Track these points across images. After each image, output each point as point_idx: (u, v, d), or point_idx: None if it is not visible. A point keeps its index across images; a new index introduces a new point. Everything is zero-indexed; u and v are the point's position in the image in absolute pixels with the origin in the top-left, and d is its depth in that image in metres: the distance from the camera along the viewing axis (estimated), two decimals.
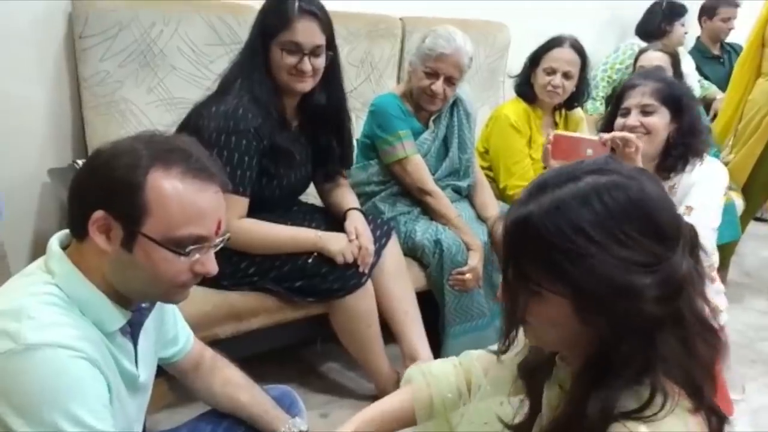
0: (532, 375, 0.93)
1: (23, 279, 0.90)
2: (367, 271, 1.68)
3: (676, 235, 0.72)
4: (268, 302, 1.68)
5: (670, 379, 0.71)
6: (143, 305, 1.00)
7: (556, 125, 2.36)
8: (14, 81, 1.98)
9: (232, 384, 1.21)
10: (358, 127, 2.16)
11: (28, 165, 2.06)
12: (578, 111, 2.43)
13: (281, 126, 1.67)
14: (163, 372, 1.16)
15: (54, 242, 0.92)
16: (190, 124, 1.60)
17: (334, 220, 1.81)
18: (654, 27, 3.29)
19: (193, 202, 0.88)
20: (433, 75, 1.94)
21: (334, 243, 1.64)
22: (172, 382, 1.10)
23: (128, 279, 0.90)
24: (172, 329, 1.14)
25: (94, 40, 1.98)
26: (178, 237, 0.87)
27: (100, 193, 0.87)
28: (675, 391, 0.71)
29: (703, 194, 1.61)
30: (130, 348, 0.97)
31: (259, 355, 1.56)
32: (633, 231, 0.69)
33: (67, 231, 0.94)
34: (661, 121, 1.62)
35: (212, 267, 0.93)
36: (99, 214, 0.86)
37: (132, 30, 2.03)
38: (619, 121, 1.66)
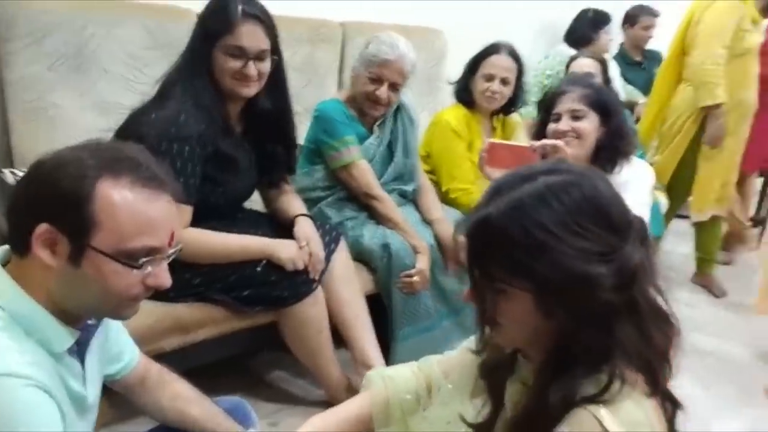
0: (493, 374, 0.95)
1: None
2: (317, 277, 1.68)
3: (627, 227, 0.77)
4: (214, 313, 1.64)
5: (628, 366, 0.75)
6: (90, 322, 0.96)
7: (494, 130, 2.43)
8: None
9: (182, 398, 1.18)
10: (300, 132, 2.14)
11: None
12: (515, 116, 2.50)
13: (225, 132, 1.63)
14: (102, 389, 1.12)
15: None
16: (129, 131, 1.54)
17: (280, 227, 1.79)
18: (581, 35, 3.43)
19: (145, 212, 0.85)
20: (377, 81, 1.96)
21: (284, 250, 1.63)
22: (112, 399, 1.06)
23: (76, 295, 0.86)
24: (116, 345, 1.10)
25: (21, 42, 1.88)
26: (130, 249, 0.84)
27: (45, 206, 0.82)
28: (633, 377, 0.75)
29: (632, 193, 1.69)
30: (78, 368, 0.93)
31: (204, 367, 1.52)
32: (588, 224, 0.74)
33: (5, 247, 0.89)
34: (590, 125, 1.69)
35: (165, 279, 0.90)
36: (43, 227, 0.81)
37: (63, 32, 1.94)
38: (551, 126, 1.73)
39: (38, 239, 0.82)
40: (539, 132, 1.80)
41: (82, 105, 2.02)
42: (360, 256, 1.93)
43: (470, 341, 1.04)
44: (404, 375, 1.08)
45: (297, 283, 1.64)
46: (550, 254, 0.73)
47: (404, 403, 1.04)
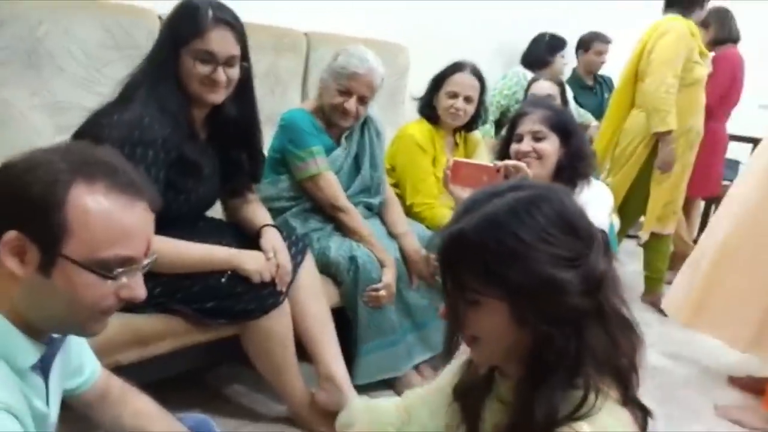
0: (467, 395, 0.95)
1: None
2: (284, 289, 1.63)
3: (591, 237, 0.81)
4: (175, 325, 1.57)
5: (600, 374, 0.78)
6: (55, 336, 0.89)
7: (456, 146, 2.45)
8: None
9: (145, 415, 1.12)
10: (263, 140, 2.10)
11: None
12: (476, 133, 2.54)
13: (190, 137, 1.58)
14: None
15: None
16: (89, 133, 1.46)
17: (243, 237, 1.74)
18: (537, 57, 3.53)
19: (120, 220, 0.80)
20: (346, 93, 1.94)
21: (250, 261, 1.58)
22: (65, 414, 1.00)
23: (43, 307, 0.80)
24: (76, 358, 1.03)
25: None
26: (104, 259, 0.79)
27: (13, 212, 0.77)
28: (604, 386, 0.78)
29: (592, 213, 1.74)
30: (41, 384, 0.87)
31: (161, 381, 1.45)
32: (556, 232, 0.78)
33: None
34: (551, 146, 1.75)
35: (141, 292, 0.86)
36: (11, 234, 0.76)
37: (14, 27, 1.85)
38: (514, 147, 1.78)
39: (6, 247, 0.77)
40: (502, 152, 1.85)
41: (33, 104, 1.92)
42: (326, 268, 1.90)
43: (450, 367, 1.04)
44: (387, 407, 1.09)
45: (263, 296, 1.59)
46: (521, 261, 0.76)
47: None
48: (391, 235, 2.09)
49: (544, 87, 2.76)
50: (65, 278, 0.78)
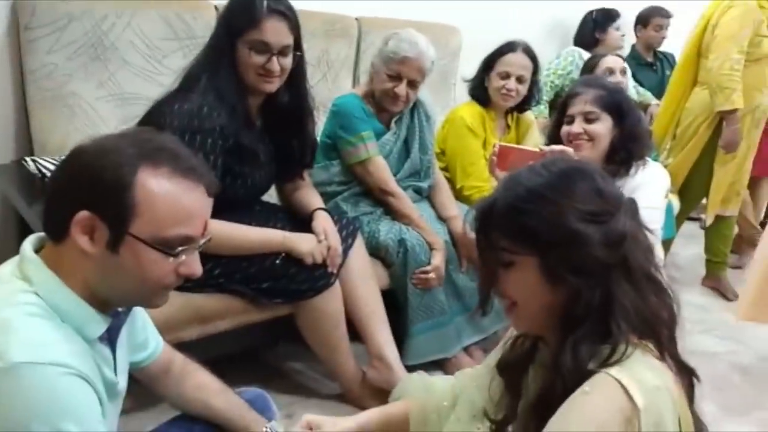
0: (509, 368, 0.99)
1: None
2: (335, 271, 1.69)
3: (618, 200, 0.86)
4: (233, 304, 1.65)
5: (632, 329, 0.81)
6: (120, 310, 0.96)
7: (508, 128, 2.43)
8: None
9: (205, 389, 1.19)
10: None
11: None
12: (529, 114, 2.51)
13: (246, 125, 1.64)
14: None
15: (27, 247, 0.88)
16: (152, 122, 1.55)
17: (297, 220, 1.80)
18: (587, 36, 3.43)
19: (182, 202, 0.86)
20: (396, 78, 1.96)
21: (303, 244, 1.64)
22: (131, 387, 1.08)
23: (112, 282, 0.87)
24: (141, 333, 1.11)
25: (42, 31, 1.89)
26: (167, 237, 0.85)
27: (86, 193, 0.83)
28: (637, 341, 0.81)
29: (647, 196, 1.69)
30: (109, 355, 0.94)
31: (219, 358, 1.53)
32: (582, 192, 0.84)
33: (38, 234, 0.90)
34: (603, 127, 1.69)
35: (197, 268, 0.91)
36: (83, 214, 0.82)
37: (83, 22, 1.95)
38: (564, 128, 1.74)
39: (77, 225, 0.82)
40: (553, 134, 1.80)
41: (99, 95, 2.04)
42: (375, 251, 1.94)
43: (497, 348, 1.07)
44: (442, 385, 1.13)
45: (315, 277, 1.65)
46: (549, 217, 0.83)
47: (441, 409, 1.08)
48: (441, 218, 2.11)
49: (617, 61, 2.68)
50: (132, 255, 0.84)
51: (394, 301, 1.97)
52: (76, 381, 0.80)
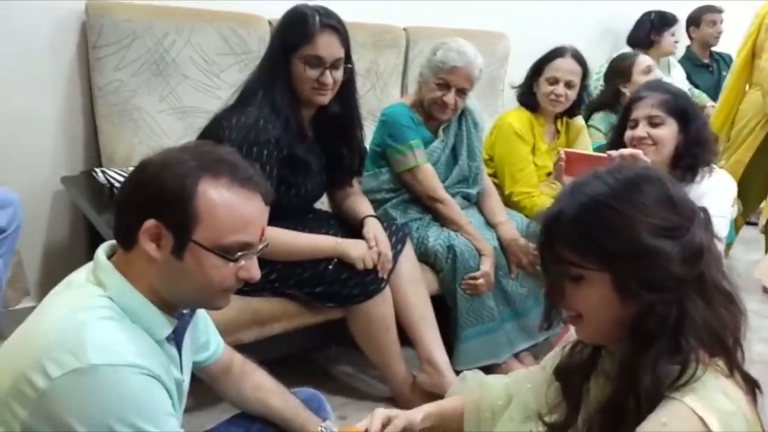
0: (569, 375, 0.98)
1: (74, 292, 0.92)
2: (386, 276, 1.73)
3: (691, 211, 0.83)
4: (288, 307, 1.72)
5: (701, 345, 0.80)
6: (184, 312, 1.02)
7: (558, 133, 2.43)
8: (28, 90, 2.01)
9: (263, 388, 1.24)
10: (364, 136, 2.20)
11: (41, 173, 2.08)
12: (579, 119, 2.49)
13: (299, 136, 1.70)
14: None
15: (101, 254, 0.94)
16: (212, 134, 1.62)
17: (348, 227, 1.85)
18: (643, 37, 3.37)
19: (241, 210, 0.91)
20: (445, 86, 1.99)
21: (354, 249, 1.68)
22: (194, 385, 1.14)
23: (177, 286, 0.92)
24: (203, 334, 1.16)
25: (109, 49, 2.01)
26: (227, 244, 0.90)
27: (152, 203, 0.89)
28: (707, 359, 0.80)
29: (715, 205, 1.63)
30: (176, 354, 0.99)
31: (275, 359, 1.59)
32: (655, 206, 0.81)
33: (110, 242, 0.96)
34: (668, 132, 1.66)
35: (256, 272, 0.96)
36: (150, 223, 0.88)
37: (146, 39, 2.06)
38: (628, 133, 1.71)
39: (145, 234, 0.88)
40: (616, 139, 1.78)
41: (161, 109, 2.14)
42: (424, 257, 1.97)
43: (552, 353, 1.07)
44: (497, 384, 1.14)
45: (366, 282, 1.70)
46: (621, 232, 0.80)
47: (495, 408, 1.09)
48: (490, 224, 2.12)
49: (645, 60, 2.64)
50: (195, 260, 0.89)
51: (444, 307, 1.99)
52: (149, 381, 0.85)
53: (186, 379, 1.04)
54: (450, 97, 1.99)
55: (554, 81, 2.28)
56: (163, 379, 0.89)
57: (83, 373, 0.80)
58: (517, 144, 2.29)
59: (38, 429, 0.81)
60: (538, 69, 2.34)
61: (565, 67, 2.28)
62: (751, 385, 0.83)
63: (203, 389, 1.22)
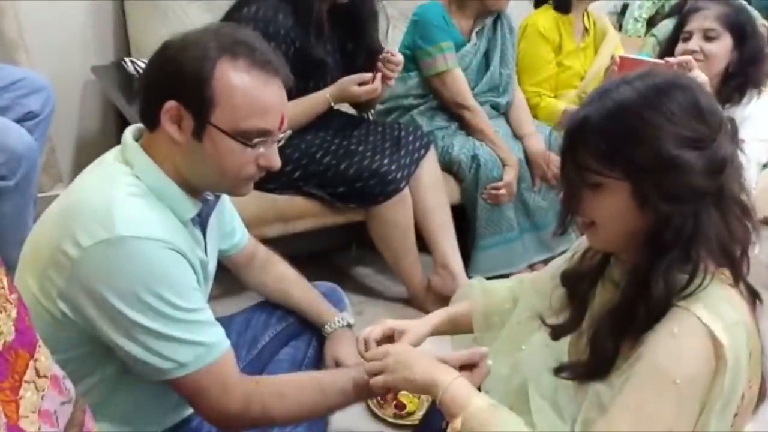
0: (577, 280, 0.98)
1: (103, 169, 0.95)
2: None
3: (718, 121, 0.80)
4: (312, 206, 1.77)
5: (710, 255, 0.80)
6: (209, 197, 1.03)
7: (587, 31, 2.32)
8: None
9: (285, 279, 1.28)
10: (395, 36, 2.13)
11: (72, 62, 2.09)
12: (606, 21, 2.38)
13: (317, 32, 1.65)
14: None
15: (128, 135, 0.96)
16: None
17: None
18: None
19: (258, 95, 0.90)
20: None
21: (350, 85, 1.66)
22: (216, 275, 1.19)
23: (198, 169, 0.93)
24: (229, 223, 1.19)
25: None
26: (244, 129, 0.90)
27: (171, 84, 0.90)
28: (713, 268, 0.81)
29: (756, 127, 1.59)
30: (200, 237, 1.02)
31: (298, 256, 1.65)
32: (682, 114, 0.78)
33: (137, 125, 0.98)
34: (722, 47, 1.60)
35: (276, 161, 0.96)
36: (171, 104, 0.89)
37: None
38: (680, 45, 1.65)
39: (166, 114, 0.90)
40: (668, 49, 1.72)
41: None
42: (448, 166, 1.97)
43: (559, 258, 1.08)
44: (502, 289, 1.16)
45: (386, 182, 1.72)
46: (646, 141, 0.78)
47: (503, 312, 1.11)
48: (516, 135, 2.09)
49: None
50: (213, 144, 0.90)
51: (463, 218, 2.01)
52: (174, 255, 0.89)
53: (211, 262, 1.07)
54: None
55: None
56: (189, 256, 0.92)
57: (111, 243, 0.85)
58: (539, 43, 2.21)
59: (75, 298, 0.87)
60: None
61: None
62: (753, 296, 0.85)
63: (229, 278, 1.27)
